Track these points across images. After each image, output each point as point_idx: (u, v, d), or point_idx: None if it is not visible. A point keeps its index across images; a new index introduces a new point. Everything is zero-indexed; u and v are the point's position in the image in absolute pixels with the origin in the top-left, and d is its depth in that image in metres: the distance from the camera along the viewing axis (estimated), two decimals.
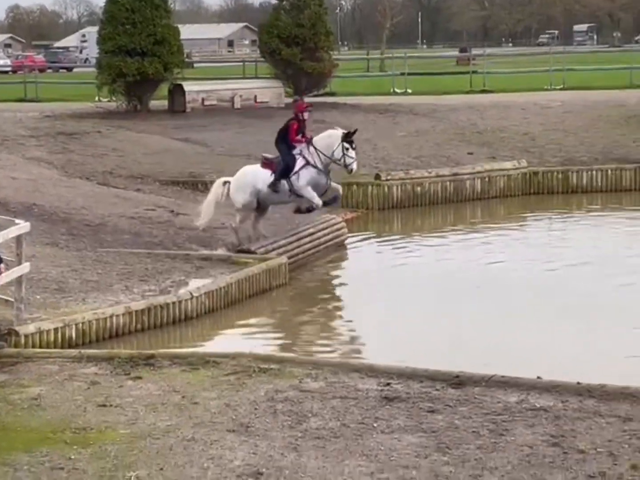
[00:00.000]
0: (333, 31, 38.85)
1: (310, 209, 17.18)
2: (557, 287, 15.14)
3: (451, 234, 19.72)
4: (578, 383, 8.70)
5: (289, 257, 15.95)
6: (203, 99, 33.09)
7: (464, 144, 26.66)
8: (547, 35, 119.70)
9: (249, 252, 15.80)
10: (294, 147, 17.03)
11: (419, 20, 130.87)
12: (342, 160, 16.78)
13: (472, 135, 27.67)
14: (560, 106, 30.89)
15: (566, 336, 12.65)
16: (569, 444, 7.40)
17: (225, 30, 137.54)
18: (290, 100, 34.55)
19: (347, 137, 16.84)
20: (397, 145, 26.34)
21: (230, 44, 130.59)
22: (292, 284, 15.49)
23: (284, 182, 16.85)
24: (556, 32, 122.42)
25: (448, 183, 23.16)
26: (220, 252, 16.28)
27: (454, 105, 32.02)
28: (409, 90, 39.88)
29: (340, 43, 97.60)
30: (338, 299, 15.30)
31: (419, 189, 22.74)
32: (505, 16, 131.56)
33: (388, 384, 8.89)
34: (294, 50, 33.71)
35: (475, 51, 60.48)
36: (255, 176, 17.14)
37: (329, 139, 17.02)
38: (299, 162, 16.88)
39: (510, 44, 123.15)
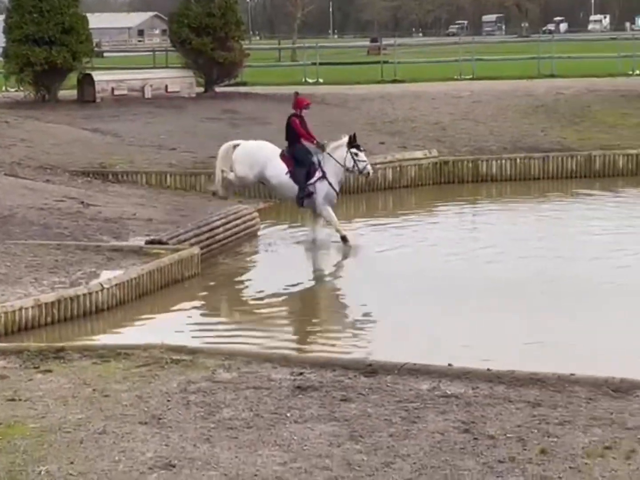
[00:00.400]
0: (244, 21, 38.76)
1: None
2: (468, 271, 15.32)
3: (363, 223, 19.79)
4: (488, 370, 8.81)
5: (202, 248, 15.86)
6: (113, 89, 32.76)
7: (376, 134, 26.79)
8: (456, 26, 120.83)
9: (160, 242, 15.68)
10: (308, 154, 16.93)
11: (330, 10, 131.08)
12: (354, 167, 16.73)
13: (383, 124, 27.82)
14: (469, 96, 31.22)
15: (476, 322, 12.81)
16: (479, 430, 7.49)
17: (135, 19, 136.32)
18: (201, 89, 34.49)
19: (352, 143, 16.80)
20: None
21: (141, 33, 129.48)
22: (204, 274, 15.41)
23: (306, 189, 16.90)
24: (465, 22, 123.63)
25: None
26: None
27: (365, 95, 32.17)
28: (321, 80, 39.95)
29: (251, 33, 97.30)
30: (251, 288, 15.27)
31: None
32: (415, 7, 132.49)
33: (301, 374, 8.90)
34: (205, 40, 33.54)
35: (386, 41, 60.70)
36: (267, 161, 17.04)
37: (338, 149, 16.97)
38: (317, 174, 16.84)
39: (421, 34, 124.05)
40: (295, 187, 16.93)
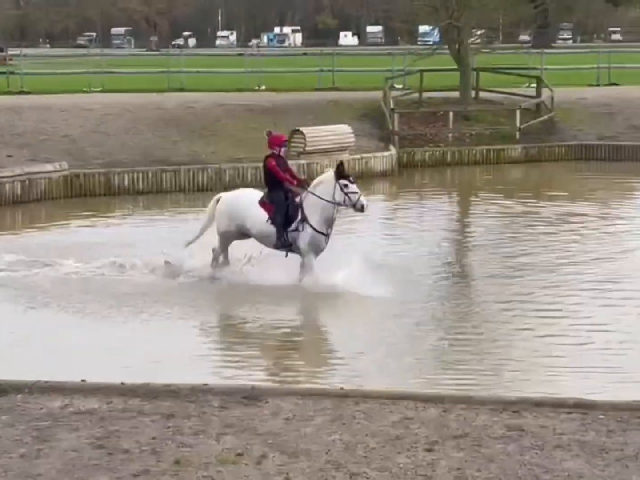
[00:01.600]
0: None
1: None
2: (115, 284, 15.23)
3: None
4: (122, 383, 8.77)
5: None
6: None
7: (3, 147, 26.03)
8: (85, 37, 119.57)
9: None
10: (288, 194, 15.28)
11: None
12: (346, 200, 14.94)
13: (10, 137, 27.05)
14: (100, 108, 30.94)
15: (118, 336, 12.82)
16: (113, 445, 7.44)
17: None
18: None
19: (341, 174, 15.02)
20: None
21: None
22: None
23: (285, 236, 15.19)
24: (94, 34, 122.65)
25: None
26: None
27: None
28: None
29: None
30: None
31: None
32: (42, 16, 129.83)
33: None
34: None
35: (12, 51, 59.07)
36: (247, 212, 15.28)
37: (324, 186, 15.13)
38: (298, 217, 15.12)
39: (48, 45, 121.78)
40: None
